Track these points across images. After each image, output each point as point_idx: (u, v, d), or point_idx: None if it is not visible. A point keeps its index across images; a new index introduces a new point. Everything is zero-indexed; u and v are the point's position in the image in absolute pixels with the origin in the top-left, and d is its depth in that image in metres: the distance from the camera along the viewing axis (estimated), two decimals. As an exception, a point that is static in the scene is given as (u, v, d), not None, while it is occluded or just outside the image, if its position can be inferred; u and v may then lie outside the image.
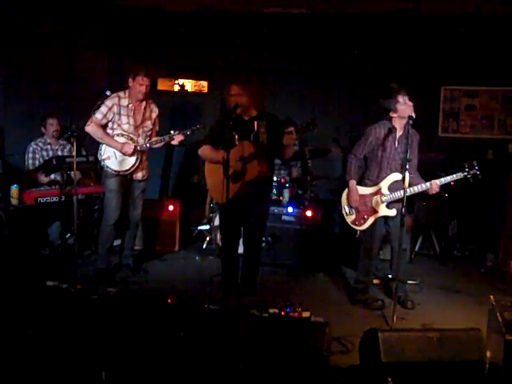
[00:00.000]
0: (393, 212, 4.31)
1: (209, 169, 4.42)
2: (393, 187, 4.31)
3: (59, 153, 5.60)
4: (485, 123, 6.81)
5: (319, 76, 6.95)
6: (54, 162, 5.04)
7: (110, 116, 4.76)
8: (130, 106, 4.81)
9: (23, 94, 6.21)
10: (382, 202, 4.34)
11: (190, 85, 7.68)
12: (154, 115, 5.00)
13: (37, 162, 5.49)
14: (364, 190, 4.44)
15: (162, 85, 7.66)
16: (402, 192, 4.14)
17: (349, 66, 6.83)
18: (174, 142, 4.87)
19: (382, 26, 6.59)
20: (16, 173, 5.42)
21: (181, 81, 7.61)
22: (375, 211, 4.37)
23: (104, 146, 4.79)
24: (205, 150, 4.38)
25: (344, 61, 6.84)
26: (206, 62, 7.18)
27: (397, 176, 4.28)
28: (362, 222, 4.44)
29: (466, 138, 6.81)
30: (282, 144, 4.06)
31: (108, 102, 4.70)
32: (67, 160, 5.02)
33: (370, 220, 4.40)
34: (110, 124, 4.81)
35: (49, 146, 5.58)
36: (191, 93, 7.61)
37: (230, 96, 4.20)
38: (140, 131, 4.88)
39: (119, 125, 4.80)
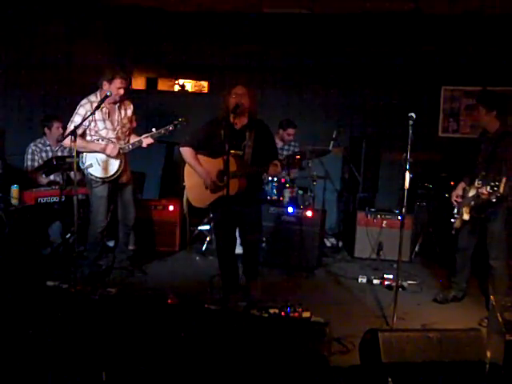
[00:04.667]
0: (465, 216, 4.25)
1: (189, 169, 4.38)
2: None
3: (59, 154, 5.54)
4: (485, 123, 6.80)
5: (319, 76, 6.96)
6: (55, 162, 5.04)
7: (85, 124, 4.55)
8: (104, 109, 4.61)
9: (23, 95, 6.22)
10: (463, 206, 4.30)
11: (190, 85, 7.69)
12: (130, 112, 4.81)
13: (36, 164, 5.46)
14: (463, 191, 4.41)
15: (162, 85, 7.67)
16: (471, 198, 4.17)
17: (349, 65, 6.83)
18: (143, 145, 4.69)
19: (382, 26, 6.60)
20: (16, 173, 5.41)
21: (181, 81, 7.61)
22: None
23: (85, 154, 4.62)
24: (187, 153, 4.29)
25: (344, 60, 6.85)
26: (206, 62, 7.19)
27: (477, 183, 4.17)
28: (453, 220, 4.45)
29: (466, 138, 6.81)
30: (266, 171, 4.24)
31: (81, 111, 4.52)
32: (67, 160, 5.01)
33: (459, 220, 4.34)
34: (87, 131, 4.63)
35: (48, 148, 5.55)
36: (191, 93, 7.61)
37: (234, 95, 4.10)
38: (119, 133, 4.72)
39: (96, 131, 4.63)
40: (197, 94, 7.57)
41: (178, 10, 6.75)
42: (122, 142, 4.73)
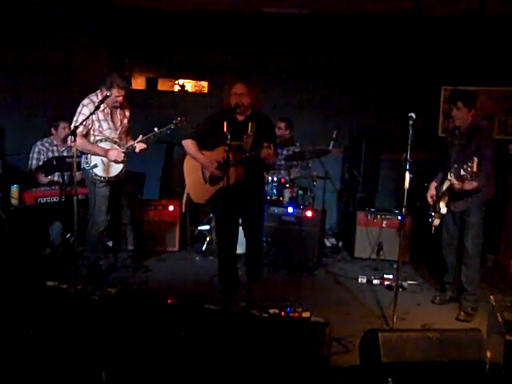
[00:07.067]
0: (443, 210, 4.26)
1: (189, 164, 4.39)
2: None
3: (65, 154, 5.52)
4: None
5: (319, 76, 6.95)
6: (54, 162, 5.04)
7: (88, 124, 4.60)
8: (106, 110, 4.66)
9: (23, 95, 6.22)
10: (438, 201, 4.33)
11: (190, 85, 7.69)
12: (127, 112, 4.87)
13: (40, 163, 5.44)
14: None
15: (162, 85, 7.67)
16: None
17: (349, 65, 6.83)
18: (136, 150, 4.73)
19: (383, 27, 6.60)
20: (16, 173, 5.41)
21: (181, 81, 7.61)
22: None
23: (88, 154, 4.64)
24: (189, 145, 4.32)
25: (344, 60, 6.85)
26: (206, 62, 7.18)
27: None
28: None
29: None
30: (259, 155, 4.08)
31: (84, 110, 4.54)
32: (67, 160, 5.01)
33: (437, 216, 4.36)
34: (91, 132, 4.65)
35: (55, 148, 5.55)
36: (191, 93, 7.61)
37: (234, 95, 4.13)
38: (121, 133, 4.79)
39: (101, 131, 4.66)
40: (197, 94, 7.57)
41: (178, 10, 6.74)
42: (124, 142, 4.79)
